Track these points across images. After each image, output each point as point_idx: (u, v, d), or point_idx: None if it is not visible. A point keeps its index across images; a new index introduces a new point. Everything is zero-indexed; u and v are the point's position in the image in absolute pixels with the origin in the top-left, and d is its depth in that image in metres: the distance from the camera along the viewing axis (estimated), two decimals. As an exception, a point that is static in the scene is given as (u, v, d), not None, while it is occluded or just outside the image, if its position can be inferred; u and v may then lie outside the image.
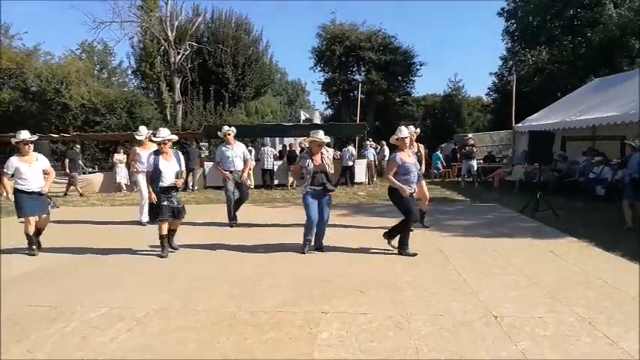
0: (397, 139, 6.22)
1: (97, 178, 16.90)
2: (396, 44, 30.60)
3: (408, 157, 6.12)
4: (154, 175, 6.11)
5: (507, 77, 23.34)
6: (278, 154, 17.17)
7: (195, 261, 6.00)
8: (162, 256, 6.12)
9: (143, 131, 8.74)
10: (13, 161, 6.29)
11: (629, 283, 4.71)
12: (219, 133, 9.07)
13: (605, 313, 3.92)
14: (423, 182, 7.73)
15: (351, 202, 11.75)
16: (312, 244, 6.37)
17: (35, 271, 5.61)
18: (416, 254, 5.95)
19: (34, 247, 6.43)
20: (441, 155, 19.51)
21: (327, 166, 6.21)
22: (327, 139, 6.36)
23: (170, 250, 6.34)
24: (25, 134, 6.38)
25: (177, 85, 24.54)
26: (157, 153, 6.17)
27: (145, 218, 8.50)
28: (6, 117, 20.19)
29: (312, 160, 6.15)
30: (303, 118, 26.64)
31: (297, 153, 16.68)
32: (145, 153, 8.51)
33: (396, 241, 6.18)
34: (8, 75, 21.69)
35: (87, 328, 3.77)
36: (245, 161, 8.52)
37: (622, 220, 7.73)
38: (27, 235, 6.40)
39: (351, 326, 3.73)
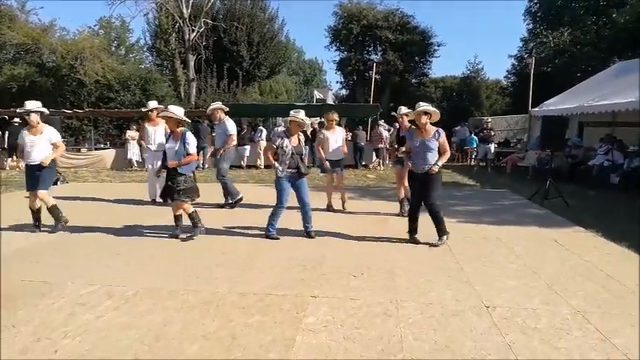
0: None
1: (109, 154, 17.04)
2: (413, 24, 30.05)
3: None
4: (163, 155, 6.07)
5: (526, 60, 22.72)
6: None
7: (193, 241, 5.97)
8: (173, 236, 6.03)
9: (151, 104, 8.71)
10: (23, 133, 6.25)
11: (630, 275, 4.57)
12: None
13: (602, 306, 3.81)
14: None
15: (359, 184, 11.65)
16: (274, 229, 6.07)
17: (33, 246, 5.66)
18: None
19: (36, 223, 6.45)
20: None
21: (302, 148, 5.98)
22: (308, 121, 6.14)
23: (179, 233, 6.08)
24: (30, 105, 6.20)
25: (192, 63, 24.48)
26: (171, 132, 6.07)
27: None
28: (22, 92, 20.35)
29: (290, 141, 5.87)
30: (316, 97, 26.38)
31: (309, 133, 16.61)
32: (152, 129, 8.49)
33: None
34: (24, 50, 21.81)
35: (75, 304, 3.78)
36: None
37: (636, 209, 7.52)
38: (30, 209, 6.42)
39: (338, 311, 3.68)
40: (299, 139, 5.99)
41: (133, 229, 6.58)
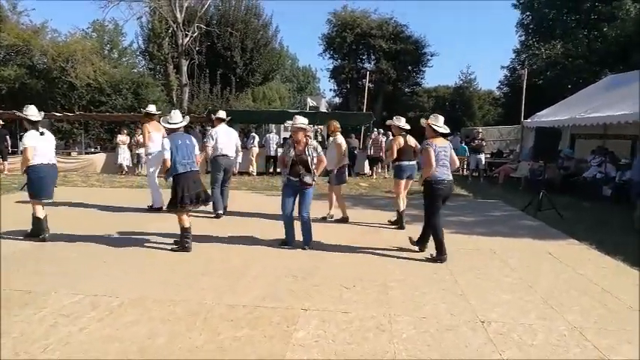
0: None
1: (99, 158, 16.85)
2: (407, 33, 30.19)
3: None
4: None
5: (519, 71, 22.89)
6: (282, 141, 16.97)
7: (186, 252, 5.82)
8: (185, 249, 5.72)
9: (154, 108, 8.57)
10: (35, 135, 5.96)
11: (626, 290, 4.52)
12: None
13: (599, 322, 3.73)
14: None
15: (351, 192, 11.56)
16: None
17: (16, 252, 5.48)
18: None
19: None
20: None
21: (309, 156, 5.70)
22: (305, 123, 5.84)
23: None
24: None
25: (185, 68, 24.36)
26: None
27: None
28: (12, 94, 20.13)
29: (294, 149, 5.75)
30: (309, 105, 26.35)
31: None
32: (157, 135, 8.23)
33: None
34: (15, 51, 21.58)
35: (58, 315, 3.64)
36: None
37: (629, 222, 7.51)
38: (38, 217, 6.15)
39: (329, 325, 3.57)
40: (306, 147, 5.75)
41: (120, 236, 6.41)
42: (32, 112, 6.06)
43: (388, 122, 7.68)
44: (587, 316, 3.86)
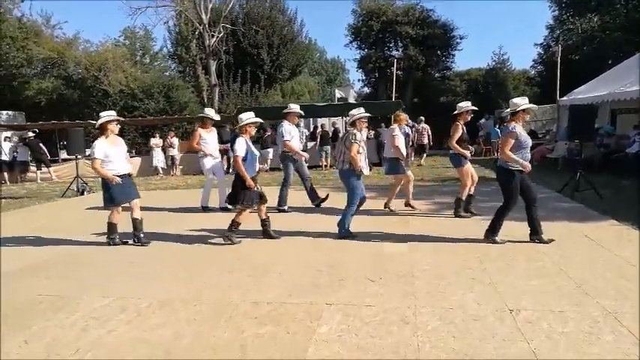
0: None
1: (135, 162, 17.27)
2: (434, 18, 29.55)
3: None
4: (249, 160, 5.91)
5: (553, 48, 22.04)
6: (310, 135, 16.97)
7: (213, 248, 5.93)
8: (233, 242, 5.95)
9: (212, 112, 8.71)
10: (105, 144, 5.92)
11: (668, 272, 4.28)
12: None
13: (635, 306, 3.55)
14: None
15: (382, 182, 11.44)
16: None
17: (52, 258, 5.69)
18: (547, 242, 5.40)
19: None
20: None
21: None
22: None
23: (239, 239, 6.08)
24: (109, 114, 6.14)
25: (213, 68, 24.63)
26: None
27: (214, 203, 8.48)
28: (50, 105, 20.92)
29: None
30: (338, 96, 26.21)
31: (330, 133, 16.50)
32: (210, 136, 8.40)
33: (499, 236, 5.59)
34: (51, 64, 22.39)
35: (88, 319, 3.75)
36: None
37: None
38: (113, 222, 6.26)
39: (353, 319, 3.54)
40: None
41: (150, 236, 6.52)
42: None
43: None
44: (624, 300, 3.68)
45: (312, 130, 19.15)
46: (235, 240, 6.00)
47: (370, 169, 6.48)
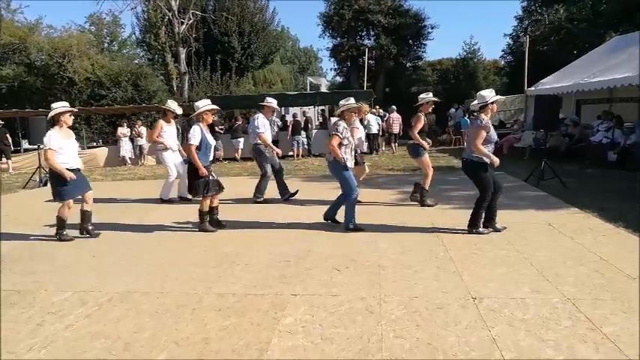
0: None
1: (102, 152, 16.88)
2: (405, 7, 29.64)
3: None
4: (203, 149, 5.83)
5: (521, 38, 22.38)
6: (282, 125, 16.85)
7: (179, 239, 5.81)
8: (208, 231, 5.94)
9: (174, 104, 8.44)
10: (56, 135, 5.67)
11: (625, 258, 4.41)
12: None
13: (594, 292, 3.65)
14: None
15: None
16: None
17: (9, 252, 5.46)
18: (499, 230, 5.48)
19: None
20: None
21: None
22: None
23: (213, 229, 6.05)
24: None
25: (183, 56, 24.19)
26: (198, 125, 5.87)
27: (174, 194, 8.32)
28: (12, 92, 20.15)
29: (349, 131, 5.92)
30: (310, 85, 26.10)
31: (302, 123, 16.40)
32: (170, 128, 8.22)
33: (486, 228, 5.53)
34: (11, 50, 21.53)
35: (45, 314, 3.63)
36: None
37: (634, 187, 7.36)
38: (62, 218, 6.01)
39: (318, 310, 3.52)
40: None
41: (112, 228, 6.38)
42: None
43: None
44: (582, 286, 3.77)
45: (280, 118, 18.98)
46: (210, 229, 5.97)
47: (359, 164, 6.35)
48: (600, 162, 10.64)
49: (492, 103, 5.39)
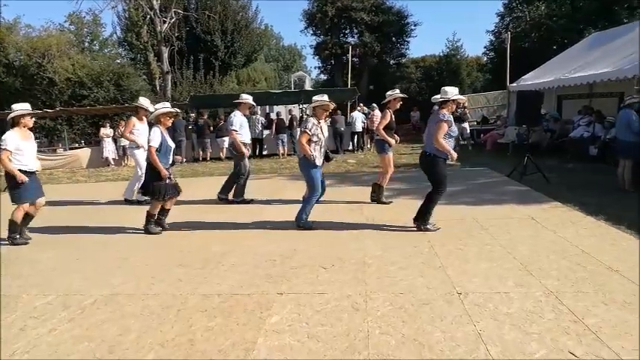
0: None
1: (84, 153, 16.65)
2: (388, 4, 29.71)
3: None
4: (163, 151, 5.81)
5: (503, 35, 22.59)
6: (266, 123, 16.79)
7: (164, 241, 5.77)
8: (154, 233, 5.93)
9: (147, 102, 8.28)
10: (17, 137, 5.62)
11: (606, 250, 4.49)
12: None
13: (576, 285, 3.71)
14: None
15: (338, 170, 11.47)
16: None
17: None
18: (439, 228, 5.52)
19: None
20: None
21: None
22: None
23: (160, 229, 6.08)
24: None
25: (165, 55, 23.92)
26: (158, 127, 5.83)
27: (139, 196, 8.09)
28: (-11, 93, 19.76)
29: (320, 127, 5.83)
30: (294, 83, 26.03)
31: (287, 121, 16.37)
32: (143, 126, 8.08)
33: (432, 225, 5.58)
34: (-12, 50, 21.12)
35: (27, 318, 3.57)
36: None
37: (613, 180, 7.49)
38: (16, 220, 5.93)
39: (304, 308, 3.52)
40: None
41: (96, 230, 6.32)
42: None
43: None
44: (565, 279, 3.83)
45: (265, 117, 18.92)
46: (156, 230, 5.98)
47: (330, 159, 6.34)
48: (581, 156, 10.80)
49: (453, 100, 5.45)
